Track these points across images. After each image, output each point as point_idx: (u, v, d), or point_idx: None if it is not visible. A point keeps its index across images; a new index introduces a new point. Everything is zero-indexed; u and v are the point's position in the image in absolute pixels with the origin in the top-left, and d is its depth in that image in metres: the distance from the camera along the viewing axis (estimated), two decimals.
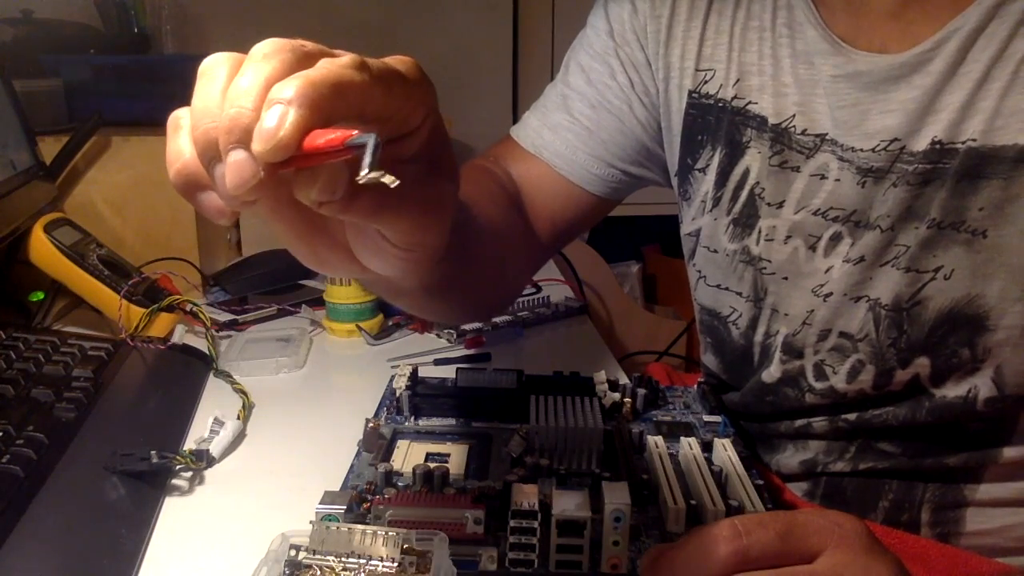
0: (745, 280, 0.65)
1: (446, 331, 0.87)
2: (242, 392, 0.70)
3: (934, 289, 0.54)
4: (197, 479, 0.58)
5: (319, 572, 0.39)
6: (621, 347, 1.45)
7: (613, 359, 0.83)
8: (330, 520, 0.44)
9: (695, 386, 0.68)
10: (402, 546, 0.39)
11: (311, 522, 0.41)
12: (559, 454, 0.55)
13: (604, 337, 0.91)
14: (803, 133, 0.60)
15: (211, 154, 0.29)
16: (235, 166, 0.28)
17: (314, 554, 0.39)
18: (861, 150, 0.57)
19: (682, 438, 0.56)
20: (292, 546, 0.40)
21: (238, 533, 0.52)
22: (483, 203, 0.61)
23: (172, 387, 0.72)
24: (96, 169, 0.97)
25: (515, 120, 0.77)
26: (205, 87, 0.30)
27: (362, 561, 0.38)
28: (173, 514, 0.54)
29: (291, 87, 0.28)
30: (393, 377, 0.65)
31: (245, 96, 0.28)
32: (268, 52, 0.30)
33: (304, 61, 0.30)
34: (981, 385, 0.55)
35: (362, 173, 0.28)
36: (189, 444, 0.62)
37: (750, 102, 0.63)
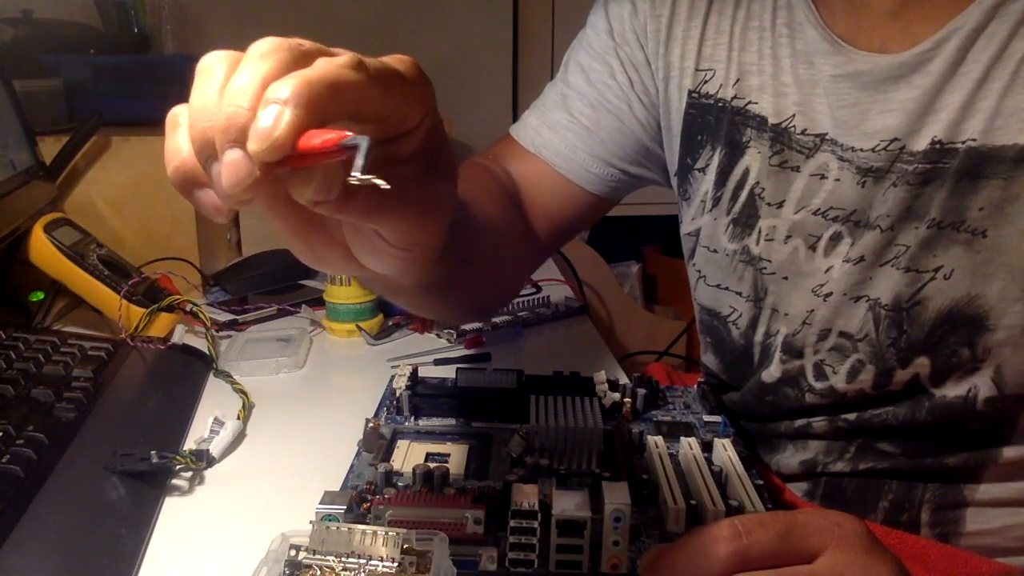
0: (745, 280, 0.65)
1: (446, 331, 0.87)
2: (242, 392, 0.70)
3: (934, 289, 0.54)
4: (197, 479, 0.58)
5: (319, 572, 0.39)
6: (621, 347, 1.45)
7: (613, 359, 0.83)
8: (330, 520, 0.44)
9: (695, 386, 0.68)
10: (402, 546, 0.39)
11: (311, 522, 0.41)
12: (559, 454, 0.55)
13: (604, 337, 0.91)
14: (803, 133, 0.60)
15: (208, 152, 0.29)
16: (231, 165, 0.28)
17: (314, 554, 0.39)
18: (861, 150, 0.57)
19: (682, 438, 0.56)
20: (292, 546, 0.40)
21: (238, 533, 0.52)
22: (482, 201, 0.61)
23: (172, 387, 0.72)
24: (96, 169, 0.97)
25: (515, 120, 0.77)
26: (203, 85, 0.30)
27: (362, 561, 0.38)
28: (173, 514, 0.54)
29: (287, 87, 0.28)
30: (393, 377, 0.65)
31: (241, 95, 0.28)
32: (265, 51, 0.30)
33: (301, 60, 0.30)
34: (981, 385, 0.55)
35: (353, 175, 0.28)
36: (189, 444, 0.62)
37: (750, 102, 0.63)
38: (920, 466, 0.59)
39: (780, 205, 0.61)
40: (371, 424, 0.57)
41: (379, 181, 0.28)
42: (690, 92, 0.67)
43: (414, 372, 0.64)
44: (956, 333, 0.54)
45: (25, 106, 0.91)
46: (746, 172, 0.63)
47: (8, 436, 0.53)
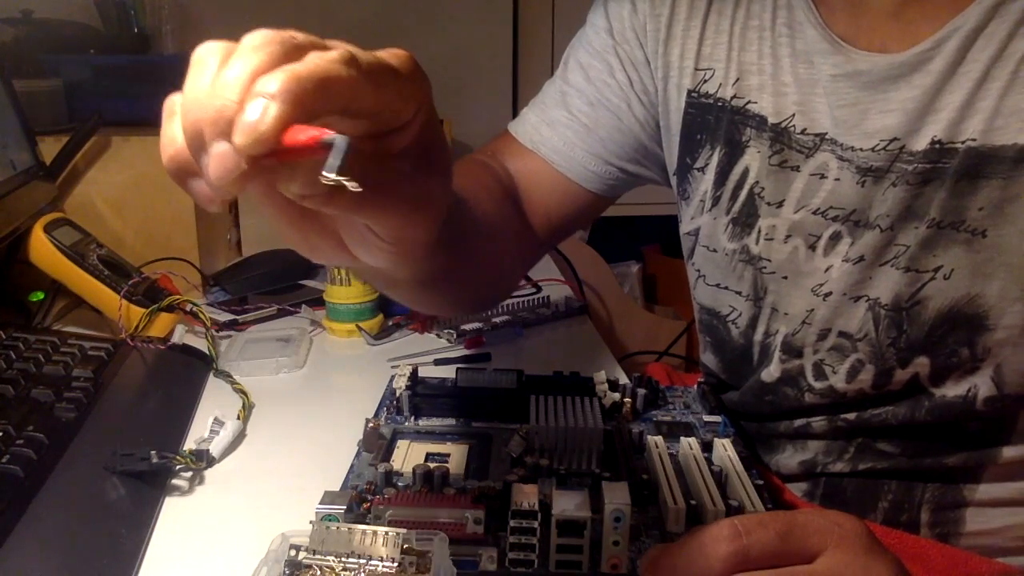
0: (745, 279, 0.65)
1: (446, 331, 0.87)
2: (242, 392, 0.70)
3: (934, 289, 0.54)
4: (197, 479, 0.58)
5: (319, 572, 0.39)
6: (621, 347, 1.45)
7: (613, 359, 0.83)
8: (330, 520, 0.44)
9: (695, 386, 0.68)
10: (402, 546, 0.39)
11: (311, 522, 0.42)
12: (559, 454, 0.55)
13: (604, 337, 0.91)
14: (803, 132, 0.60)
15: (198, 144, 0.29)
16: (218, 157, 0.28)
17: (314, 554, 0.39)
18: (861, 149, 0.57)
19: (682, 438, 0.56)
20: (292, 546, 0.40)
21: (238, 533, 0.52)
22: (479, 197, 0.61)
23: (172, 387, 0.72)
24: (96, 169, 0.97)
25: None
26: (195, 76, 0.30)
27: (362, 561, 0.38)
28: (173, 514, 0.54)
29: (275, 81, 0.28)
30: (393, 377, 0.65)
31: (230, 88, 0.28)
32: (257, 44, 0.30)
33: (293, 54, 0.30)
34: (981, 384, 0.55)
35: (324, 174, 0.28)
36: (189, 444, 0.62)
37: (749, 101, 0.63)
38: (920, 466, 0.59)
39: (780, 204, 0.61)
40: (371, 424, 0.57)
41: (349, 183, 0.28)
42: (689, 91, 0.67)
43: (414, 372, 0.64)
44: (956, 333, 0.54)
45: (25, 106, 0.91)
46: (746, 171, 0.63)
47: (8, 436, 0.53)
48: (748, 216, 0.63)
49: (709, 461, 0.53)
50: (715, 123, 0.65)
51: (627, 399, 0.62)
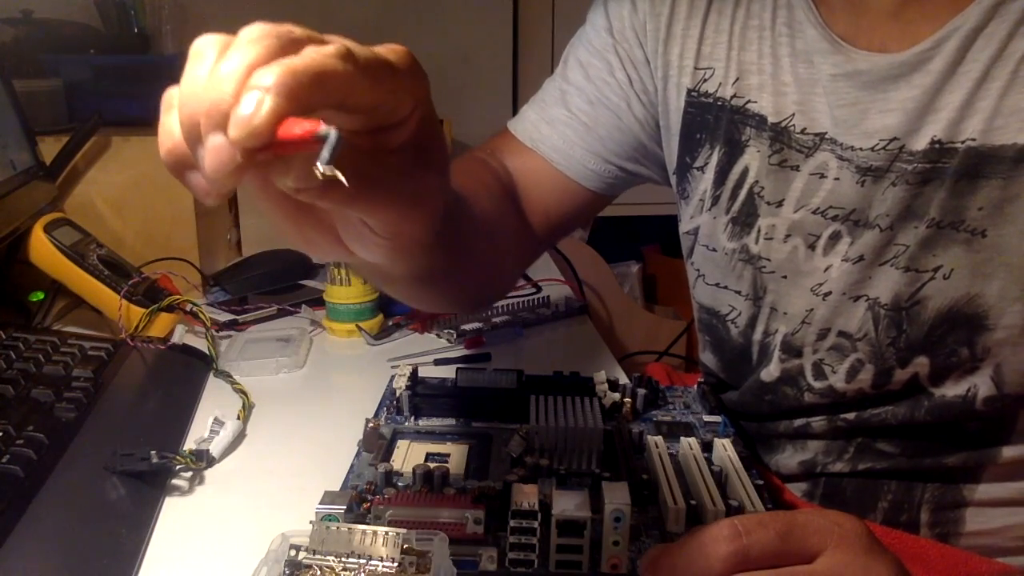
0: (744, 279, 0.65)
1: (446, 331, 0.87)
2: (242, 392, 0.70)
3: (933, 288, 0.54)
4: (197, 479, 0.58)
5: (319, 572, 0.39)
6: (621, 347, 1.45)
7: (613, 359, 0.83)
8: (330, 520, 0.44)
9: (695, 386, 0.68)
10: (402, 546, 0.39)
11: (311, 522, 0.42)
12: (559, 454, 0.55)
13: (604, 337, 0.91)
14: (802, 132, 0.60)
15: (194, 137, 0.29)
16: (213, 150, 0.28)
17: (314, 554, 0.39)
18: (860, 149, 0.57)
19: (682, 438, 0.57)
20: (292, 546, 0.40)
21: (238, 533, 0.52)
22: (478, 194, 0.61)
23: (172, 387, 0.72)
24: (96, 169, 0.97)
25: None
26: (193, 69, 0.30)
27: (362, 561, 0.38)
28: (173, 514, 0.54)
29: (270, 75, 0.28)
30: (393, 377, 0.65)
31: (226, 81, 0.28)
32: (254, 37, 0.30)
33: (290, 47, 0.30)
34: (980, 384, 0.55)
35: (317, 166, 0.28)
36: (189, 444, 0.62)
37: (749, 101, 0.63)
38: (919, 466, 0.59)
39: (779, 204, 0.61)
40: (371, 424, 0.57)
41: (340, 176, 0.28)
42: (689, 91, 0.67)
43: (414, 372, 0.64)
44: (955, 332, 0.54)
45: (25, 106, 0.91)
46: (745, 171, 0.63)
47: (8, 436, 0.53)
48: (748, 215, 0.63)
49: (709, 461, 0.53)
50: (715, 122, 0.65)
51: (627, 399, 0.62)
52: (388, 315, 0.90)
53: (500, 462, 0.56)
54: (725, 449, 0.55)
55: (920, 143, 0.54)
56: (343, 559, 0.39)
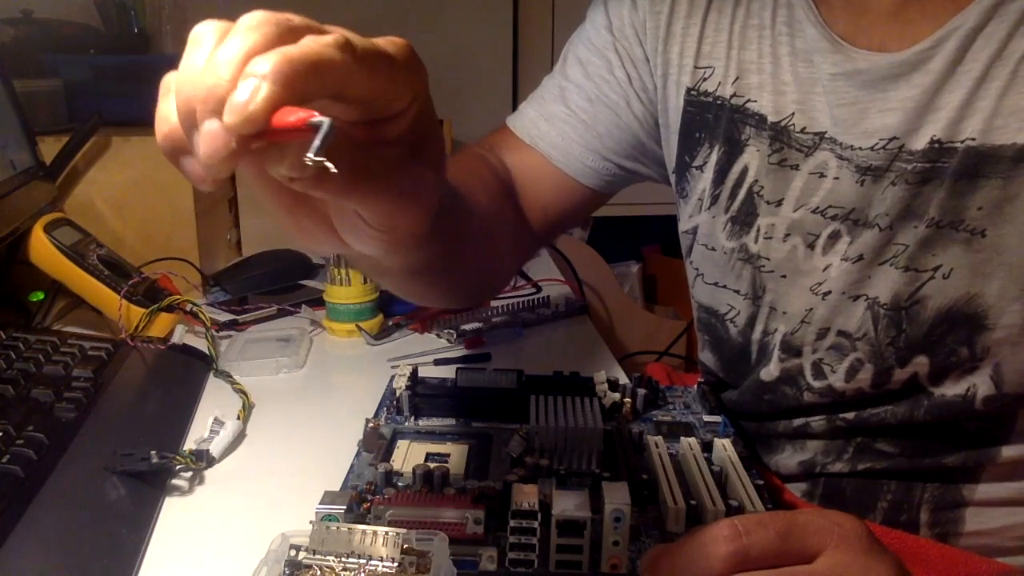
0: (743, 278, 0.65)
1: (446, 331, 0.87)
2: (242, 392, 0.70)
3: (933, 288, 0.54)
4: (197, 479, 0.58)
5: (319, 572, 0.39)
6: (621, 347, 1.45)
7: (613, 359, 0.83)
8: (330, 520, 0.44)
9: (695, 386, 0.68)
10: (402, 546, 0.39)
11: (311, 522, 0.42)
12: (559, 454, 0.55)
13: (604, 337, 0.91)
14: (802, 131, 0.60)
15: (190, 122, 0.29)
16: (208, 136, 0.29)
17: (314, 554, 0.39)
18: (860, 148, 0.57)
19: (682, 438, 0.57)
20: (292, 546, 0.40)
21: (238, 533, 0.52)
22: (475, 190, 0.61)
23: (172, 387, 0.72)
24: (96, 169, 0.97)
25: None
26: (191, 54, 0.30)
27: (362, 561, 0.38)
28: (173, 514, 0.54)
29: (267, 62, 0.28)
30: (393, 377, 0.65)
31: (223, 67, 0.29)
32: (253, 24, 0.30)
33: (288, 35, 0.30)
34: (980, 384, 0.55)
35: (307, 155, 0.28)
36: (189, 444, 0.62)
37: (749, 100, 0.63)
38: (919, 466, 0.59)
39: (779, 203, 0.61)
40: (371, 424, 0.57)
41: (329, 166, 0.29)
42: (688, 89, 0.67)
43: (414, 372, 0.64)
44: (955, 332, 0.54)
45: (25, 106, 0.91)
46: (745, 170, 0.63)
47: (8, 436, 0.53)
48: (747, 215, 0.63)
49: (709, 461, 0.53)
50: (714, 121, 0.65)
51: (627, 399, 0.62)
52: (388, 315, 0.90)
53: (500, 462, 0.56)
54: (725, 449, 0.55)
55: (920, 143, 0.54)
56: (343, 559, 0.39)
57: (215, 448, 0.60)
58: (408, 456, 0.56)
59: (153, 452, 0.55)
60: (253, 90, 0.28)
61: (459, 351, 0.84)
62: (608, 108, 0.71)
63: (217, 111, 0.28)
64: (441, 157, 0.38)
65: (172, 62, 0.31)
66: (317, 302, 0.92)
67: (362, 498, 0.48)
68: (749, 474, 0.52)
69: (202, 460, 0.58)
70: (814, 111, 0.59)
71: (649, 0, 0.68)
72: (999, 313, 0.53)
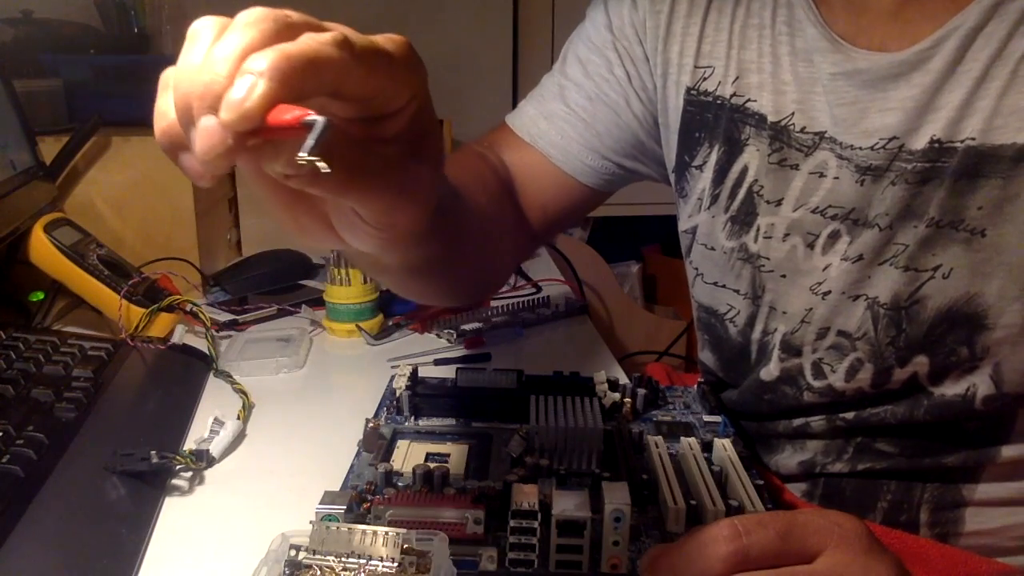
0: (743, 278, 0.65)
1: (446, 331, 0.87)
2: (242, 392, 0.70)
3: (933, 288, 0.54)
4: (197, 479, 0.58)
5: (319, 572, 0.39)
6: (621, 347, 1.45)
7: (613, 359, 0.83)
8: (330, 520, 0.44)
9: (695, 386, 0.68)
10: (402, 546, 0.39)
11: (311, 522, 0.42)
12: (559, 454, 0.55)
13: (604, 337, 0.91)
14: (802, 131, 0.60)
15: (188, 118, 0.29)
16: (205, 132, 0.29)
17: (314, 554, 0.39)
18: (860, 148, 0.57)
19: (682, 438, 0.57)
20: (292, 546, 0.40)
21: (238, 533, 0.52)
22: (474, 189, 0.62)
23: (172, 387, 0.72)
24: (96, 169, 0.97)
25: None
26: (189, 50, 0.30)
27: (362, 561, 0.38)
28: (173, 514, 0.54)
29: (264, 59, 0.28)
30: (393, 377, 0.65)
31: (221, 63, 0.29)
32: (251, 20, 0.30)
33: (286, 32, 0.30)
34: (980, 383, 0.55)
35: (300, 154, 0.28)
36: (189, 444, 0.62)
37: (749, 99, 0.63)
38: (919, 466, 0.59)
39: (779, 203, 0.61)
40: (371, 424, 0.57)
41: (321, 164, 0.29)
42: (688, 89, 0.67)
43: (414, 372, 0.64)
44: (955, 332, 0.54)
45: (25, 106, 0.91)
46: (744, 170, 0.63)
47: (8, 436, 0.53)
48: (747, 214, 0.63)
49: (709, 461, 0.53)
50: (714, 121, 0.65)
51: (627, 399, 0.62)
52: (388, 315, 0.90)
53: (500, 462, 0.56)
54: (725, 449, 0.55)
55: (919, 142, 0.54)
56: (343, 559, 0.39)
57: (215, 448, 0.60)
58: (408, 456, 0.56)
59: (153, 452, 0.55)
60: (249, 87, 0.28)
61: (459, 351, 0.84)
62: (608, 107, 0.71)
63: (214, 107, 0.28)
64: (439, 155, 0.38)
65: (172, 62, 0.31)
66: (317, 302, 0.92)
67: (362, 498, 0.48)
68: (749, 474, 0.52)
69: (202, 460, 0.58)
70: (814, 111, 0.59)
71: (649, 0, 0.68)
72: (999, 313, 0.53)
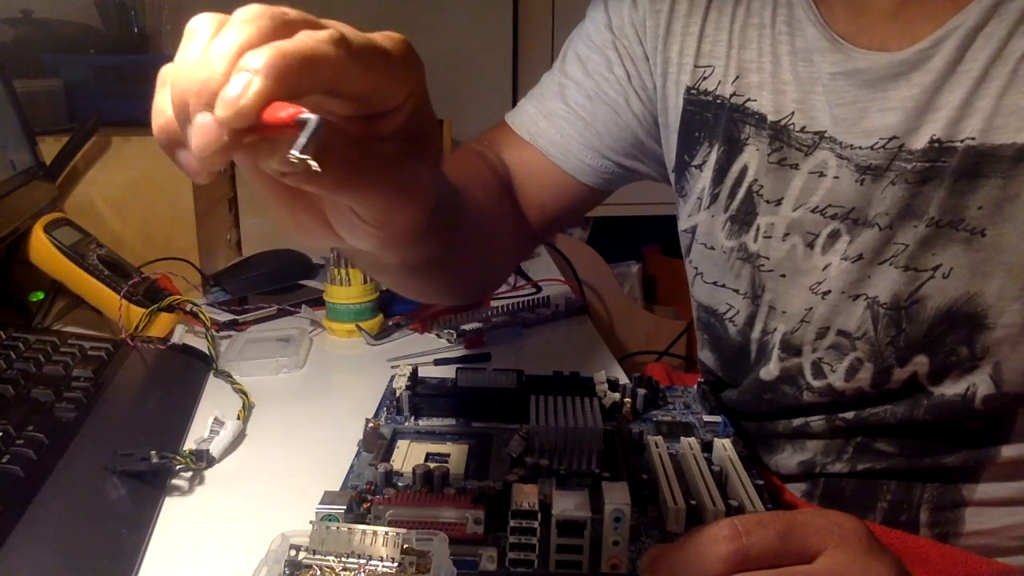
0: (743, 277, 0.65)
1: (446, 331, 0.87)
2: (242, 392, 0.70)
3: (933, 288, 0.54)
4: (197, 479, 0.58)
5: (319, 572, 0.39)
6: (621, 347, 1.45)
7: (613, 359, 0.83)
8: (330, 520, 0.44)
9: (695, 386, 0.68)
10: (402, 546, 0.39)
11: (311, 522, 0.41)
12: (559, 454, 0.55)
13: (604, 337, 0.91)
14: (802, 130, 0.60)
15: (184, 115, 0.29)
16: (200, 129, 0.29)
17: (314, 554, 0.39)
18: (860, 148, 0.57)
19: (682, 438, 0.57)
20: (292, 546, 0.40)
21: (238, 533, 0.52)
22: (473, 187, 0.62)
23: (172, 387, 0.72)
24: (96, 169, 0.97)
25: None
26: (186, 47, 0.30)
27: (362, 561, 0.38)
28: (173, 514, 0.54)
29: (260, 56, 0.28)
30: (393, 377, 0.65)
31: (218, 61, 0.29)
32: (248, 17, 0.30)
33: (283, 29, 0.30)
34: (979, 383, 0.55)
35: (291, 152, 0.28)
36: (189, 444, 0.62)
37: (749, 99, 0.63)
38: (918, 466, 0.59)
39: (778, 203, 0.61)
40: (371, 424, 0.57)
41: (312, 163, 0.29)
42: (688, 88, 0.67)
43: (414, 372, 0.64)
44: (955, 332, 0.54)
45: (25, 106, 0.91)
46: (744, 169, 0.63)
47: (8, 436, 0.53)
48: (746, 214, 0.63)
49: (709, 461, 0.53)
50: (714, 120, 0.65)
51: (627, 399, 0.62)
52: (388, 315, 0.90)
53: (500, 462, 0.56)
54: (725, 449, 0.55)
55: (919, 142, 0.54)
56: (343, 559, 0.39)
57: (215, 448, 0.60)
58: (408, 456, 0.56)
59: (153, 452, 0.55)
60: (245, 84, 0.28)
61: (459, 351, 0.84)
62: (607, 106, 0.71)
63: (210, 104, 0.28)
64: (437, 153, 0.38)
65: (171, 61, 0.31)
66: (317, 302, 0.92)
67: (362, 498, 0.48)
68: (749, 474, 0.52)
69: (202, 460, 0.58)
70: (814, 110, 0.59)
71: None
72: (999, 312, 0.53)
